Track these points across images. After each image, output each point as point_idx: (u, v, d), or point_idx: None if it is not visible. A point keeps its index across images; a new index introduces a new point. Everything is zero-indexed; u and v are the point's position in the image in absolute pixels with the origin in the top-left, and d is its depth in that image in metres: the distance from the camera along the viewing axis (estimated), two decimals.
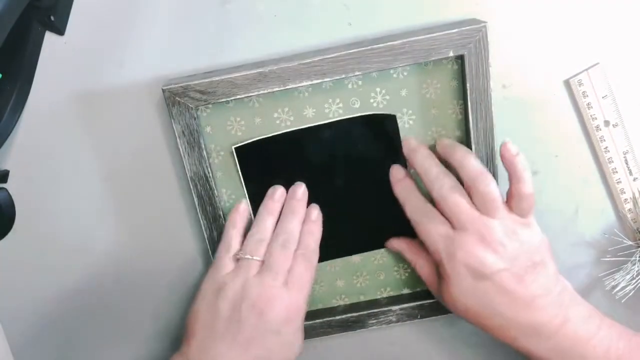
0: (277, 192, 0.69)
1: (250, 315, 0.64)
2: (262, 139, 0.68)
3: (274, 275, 0.65)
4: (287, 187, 0.70)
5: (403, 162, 0.69)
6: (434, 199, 0.65)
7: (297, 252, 0.67)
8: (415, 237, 0.68)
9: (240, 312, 0.64)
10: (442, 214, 0.64)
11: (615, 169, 0.70)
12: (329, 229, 0.70)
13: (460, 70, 0.66)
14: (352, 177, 0.70)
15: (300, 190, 0.70)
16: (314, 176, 0.70)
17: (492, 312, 0.63)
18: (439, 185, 0.64)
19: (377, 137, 0.69)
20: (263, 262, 0.67)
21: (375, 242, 0.73)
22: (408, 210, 0.67)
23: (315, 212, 0.70)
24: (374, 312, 0.73)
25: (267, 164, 0.69)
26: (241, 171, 0.69)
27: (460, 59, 0.65)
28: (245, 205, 0.70)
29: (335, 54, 0.63)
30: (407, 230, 0.68)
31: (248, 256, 0.66)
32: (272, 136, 0.68)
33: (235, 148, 0.68)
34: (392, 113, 0.68)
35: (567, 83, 0.68)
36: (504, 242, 0.62)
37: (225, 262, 0.68)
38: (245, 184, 0.70)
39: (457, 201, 0.63)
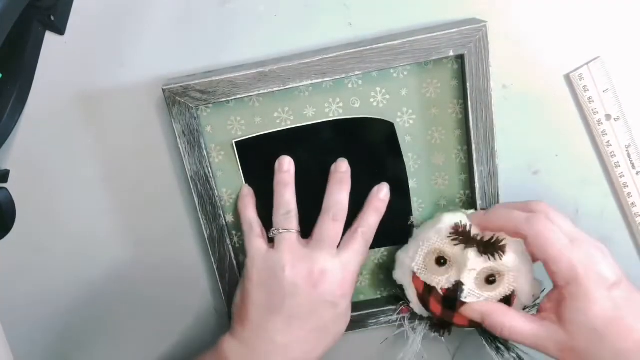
0: (284, 162, 0.69)
1: (304, 289, 0.64)
2: (263, 134, 0.68)
3: (326, 249, 0.66)
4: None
5: (402, 166, 0.70)
6: (529, 238, 0.61)
7: (359, 229, 0.68)
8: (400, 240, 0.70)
9: (295, 285, 0.64)
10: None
11: (618, 162, 0.70)
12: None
13: (461, 69, 0.66)
14: (353, 175, 0.69)
15: (344, 165, 0.69)
16: (314, 173, 0.69)
17: (626, 326, 0.59)
18: (527, 226, 0.61)
19: (377, 139, 0.69)
20: (299, 232, 0.67)
21: (375, 241, 0.72)
22: (529, 243, 0.61)
23: (385, 190, 0.70)
24: (373, 312, 0.73)
25: (267, 159, 0.69)
26: (241, 166, 0.69)
27: (460, 58, 0.65)
28: (248, 188, 0.70)
29: (336, 54, 0.63)
30: (402, 232, 0.70)
31: (282, 230, 0.67)
32: (273, 132, 0.68)
33: (235, 142, 0.68)
34: (393, 112, 0.68)
35: (567, 77, 0.68)
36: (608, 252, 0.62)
37: (257, 242, 0.68)
38: (245, 179, 0.70)
39: (552, 227, 0.61)
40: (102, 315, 0.76)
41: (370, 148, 0.70)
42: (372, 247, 0.71)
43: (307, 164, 0.69)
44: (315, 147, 0.69)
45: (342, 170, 0.69)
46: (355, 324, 0.73)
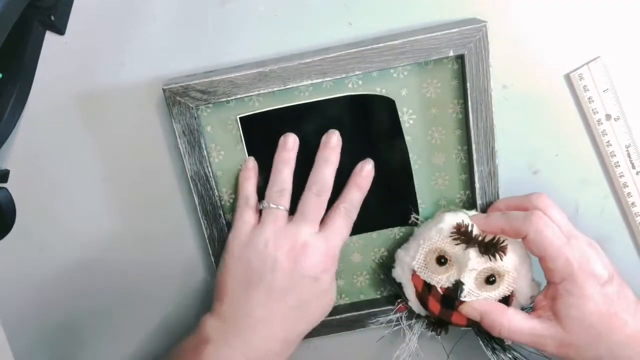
0: (289, 140, 0.68)
1: (285, 263, 0.64)
2: (268, 110, 0.68)
3: (309, 224, 0.66)
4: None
5: (404, 146, 0.70)
6: (528, 236, 0.62)
7: (340, 205, 0.67)
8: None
9: (275, 260, 0.64)
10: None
11: (618, 162, 0.70)
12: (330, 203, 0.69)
13: (461, 69, 0.66)
14: (356, 153, 0.69)
15: (334, 138, 0.68)
16: (316, 151, 0.69)
17: (618, 320, 0.61)
18: (526, 225, 0.62)
19: (379, 117, 0.69)
20: (287, 211, 0.67)
21: (377, 223, 0.73)
22: (529, 240, 0.62)
23: (368, 166, 0.69)
24: (373, 312, 0.73)
25: (271, 135, 0.69)
26: (245, 142, 0.69)
27: (460, 58, 0.65)
28: (253, 161, 0.69)
29: (336, 54, 0.63)
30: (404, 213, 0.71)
31: (272, 205, 0.66)
32: (278, 108, 0.68)
33: (240, 118, 0.68)
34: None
35: (567, 77, 0.69)
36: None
37: (247, 216, 0.68)
38: (248, 155, 0.70)
39: (550, 225, 0.62)
40: (102, 314, 0.76)
41: (372, 126, 0.69)
42: (375, 228, 0.73)
43: (310, 142, 0.69)
44: (319, 124, 0.69)
45: (331, 145, 0.68)
46: (355, 324, 0.73)
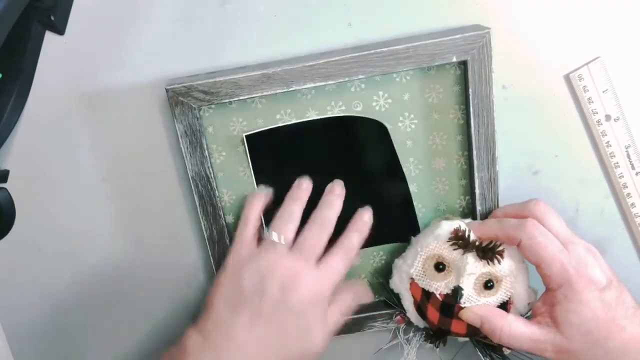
0: (304, 182, 0.69)
1: (273, 291, 0.64)
2: (273, 128, 0.68)
3: (305, 256, 0.65)
4: (296, 177, 0.70)
5: (397, 163, 0.70)
6: (522, 242, 0.63)
7: (339, 245, 0.67)
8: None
9: (265, 286, 0.64)
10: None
11: (618, 163, 0.70)
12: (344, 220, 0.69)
13: (463, 75, 0.66)
14: (360, 171, 0.70)
15: (338, 187, 0.69)
16: (324, 168, 0.70)
17: (616, 326, 0.62)
18: (519, 232, 0.63)
19: (374, 139, 0.69)
20: (289, 245, 0.66)
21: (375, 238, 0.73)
22: (523, 247, 0.63)
23: (367, 215, 0.70)
24: (372, 315, 0.73)
25: (276, 153, 0.69)
26: (251, 160, 0.69)
27: (463, 64, 0.65)
28: (265, 193, 0.70)
29: (340, 57, 0.63)
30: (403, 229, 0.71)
31: (275, 235, 0.66)
32: (283, 126, 0.68)
33: (246, 136, 0.68)
34: (395, 116, 0.68)
35: (567, 78, 0.69)
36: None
37: (249, 238, 0.68)
38: (254, 173, 0.70)
39: (544, 231, 0.63)
40: (102, 315, 0.76)
41: (370, 149, 0.70)
42: (375, 244, 0.73)
43: (316, 157, 0.70)
44: (324, 142, 0.69)
45: (335, 193, 0.69)
46: (353, 327, 0.74)
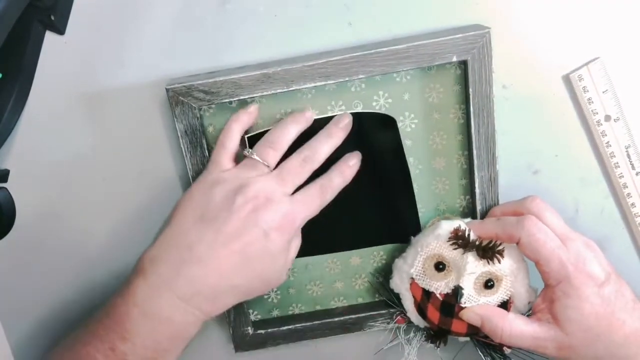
0: (308, 111, 0.67)
1: (242, 208, 0.62)
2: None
3: (281, 182, 0.63)
4: None
5: (404, 164, 0.70)
6: (521, 239, 0.63)
7: (319, 181, 0.65)
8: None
9: (234, 202, 0.62)
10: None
11: (617, 163, 0.70)
12: (332, 221, 0.68)
13: (463, 75, 0.66)
14: (362, 171, 0.69)
15: (346, 119, 0.67)
16: (324, 167, 0.67)
17: (616, 320, 0.62)
18: (518, 230, 0.63)
19: (381, 135, 0.69)
20: (269, 169, 0.64)
21: (377, 239, 0.73)
22: (522, 244, 0.63)
23: (355, 159, 0.67)
24: (372, 315, 0.73)
25: None
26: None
27: (463, 64, 0.65)
28: (256, 109, 0.67)
29: (340, 57, 0.63)
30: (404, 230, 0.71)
31: (255, 156, 0.64)
32: None
33: (247, 137, 0.68)
34: (395, 116, 0.68)
35: (567, 78, 0.69)
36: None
37: (224, 158, 0.66)
38: None
39: (542, 228, 0.63)
40: None
41: (375, 145, 0.70)
42: (376, 244, 0.73)
43: None
44: None
45: (340, 125, 0.67)
46: (353, 327, 0.74)
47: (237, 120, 0.66)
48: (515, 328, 0.64)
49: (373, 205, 0.72)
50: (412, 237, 0.71)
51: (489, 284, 0.65)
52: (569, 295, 0.62)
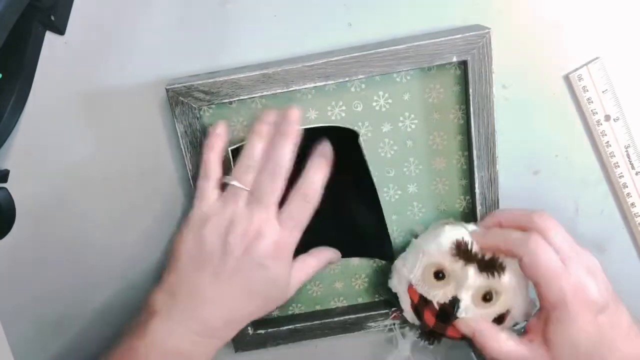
0: (269, 115, 0.65)
1: (236, 248, 0.62)
2: None
3: (263, 208, 0.63)
4: (295, 178, 0.64)
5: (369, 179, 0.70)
6: (523, 259, 0.62)
7: (299, 190, 0.64)
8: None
9: (227, 244, 0.63)
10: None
11: (617, 163, 0.70)
12: (321, 231, 0.67)
13: (463, 75, 0.66)
14: (345, 181, 0.69)
15: (294, 112, 0.64)
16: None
17: (608, 350, 0.61)
18: (522, 248, 0.62)
19: (344, 149, 0.68)
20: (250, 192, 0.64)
21: (355, 253, 0.74)
22: (524, 264, 0.62)
23: (327, 148, 0.66)
24: (371, 315, 0.73)
25: None
26: None
27: (463, 64, 0.65)
28: (222, 127, 0.66)
29: (340, 57, 0.63)
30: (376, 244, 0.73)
31: (234, 182, 0.64)
32: None
33: (231, 150, 0.68)
34: (395, 116, 0.68)
35: (567, 78, 0.69)
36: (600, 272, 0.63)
37: (208, 190, 0.65)
38: None
39: (546, 249, 0.61)
40: (102, 315, 0.76)
41: (343, 161, 0.67)
42: (346, 255, 0.73)
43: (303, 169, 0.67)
44: (311, 151, 0.67)
45: (288, 120, 0.64)
46: (353, 327, 0.74)
47: (211, 148, 0.66)
48: (504, 348, 0.64)
49: (343, 221, 0.72)
50: (414, 239, 0.71)
51: (487, 297, 0.65)
52: (563, 322, 0.61)
